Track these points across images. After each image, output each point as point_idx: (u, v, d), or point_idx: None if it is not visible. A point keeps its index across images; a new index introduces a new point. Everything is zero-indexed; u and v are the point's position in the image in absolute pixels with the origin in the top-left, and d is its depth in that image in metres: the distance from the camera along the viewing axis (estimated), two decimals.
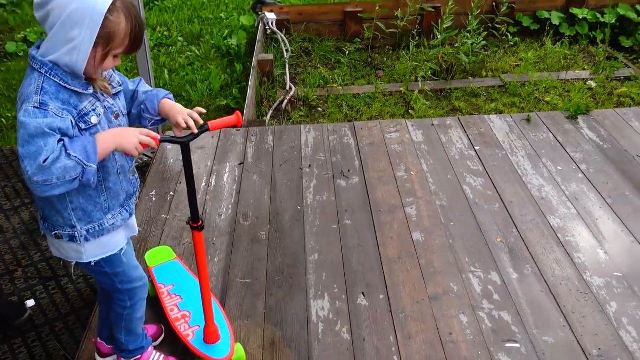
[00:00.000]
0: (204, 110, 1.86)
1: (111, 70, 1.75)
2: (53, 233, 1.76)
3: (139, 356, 2.15)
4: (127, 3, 1.56)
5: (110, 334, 2.16)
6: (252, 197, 3.22)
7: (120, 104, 1.78)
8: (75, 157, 1.52)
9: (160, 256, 2.60)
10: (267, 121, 4.27)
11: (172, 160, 3.59)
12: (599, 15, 5.64)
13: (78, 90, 1.58)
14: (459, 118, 4.01)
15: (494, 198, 3.16)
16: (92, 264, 1.83)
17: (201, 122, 1.81)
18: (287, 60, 5.16)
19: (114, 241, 1.84)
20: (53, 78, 1.54)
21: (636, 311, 2.45)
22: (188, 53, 5.77)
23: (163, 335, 2.34)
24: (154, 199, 3.22)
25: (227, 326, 2.25)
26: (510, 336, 2.35)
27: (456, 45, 5.00)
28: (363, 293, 2.56)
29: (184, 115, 1.80)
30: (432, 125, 3.90)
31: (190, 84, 5.10)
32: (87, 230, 1.75)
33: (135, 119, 1.87)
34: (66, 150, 1.51)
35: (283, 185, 3.31)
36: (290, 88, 4.80)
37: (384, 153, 3.60)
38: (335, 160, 3.54)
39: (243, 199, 3.20)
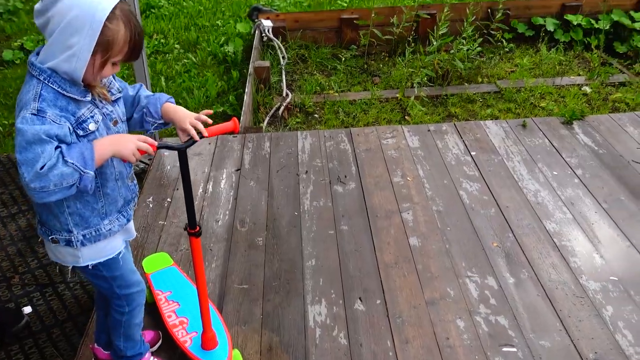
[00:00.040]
0: (210, 115, 1.84)
1: (111, 76, 1.76)
2: (50, 237, 1.77)
3: None
4: (126, 11, 1.57)
5: (108, 339, 2.16)
6: (249, 203, 3.23)
7: (120, 110, 1.78)
8: (73, 163, 1.52)
9: (158, 262, 2.61)
10: (263, 127, 4.28)
11: (169, 167, 3.59)
12: (593, 22, 5.69)
13: (76, 97, 1.59)
14: (454, 124, 4.03)
15: (490, 203, 3.18)
16: (90, 267, 1.83)
17: (205, 133, 1.79)
18: (283, 67, 5.18)
19: (110, 246, 1.85)
20: (51, 85, 1.55)
21: (632, 315, 2.47)
22: (185, 60, 5.79)
23: (160, 341, 2.34)
24: (151, 205, 3.23)
25: (225, 332, 2.25)
26: (507, 340, 2.36)
27: (452, 51, 5.03)
28: (360, 298, 2.57)
29: (191, 120, 1.79)
30: (428, 131, 3.92)
31: (187, 91, 5.11)
32: (84, 235, 1.76)
33: (137, 124, 1.87)
34: (63, 156, 1.52)
35: (280, 191, 3.32)
36: (287, 94, 4.82)
37: (380, 159, 3.61)
38: (331, 166, 3.55)
39: (240, 205, 3.21)
